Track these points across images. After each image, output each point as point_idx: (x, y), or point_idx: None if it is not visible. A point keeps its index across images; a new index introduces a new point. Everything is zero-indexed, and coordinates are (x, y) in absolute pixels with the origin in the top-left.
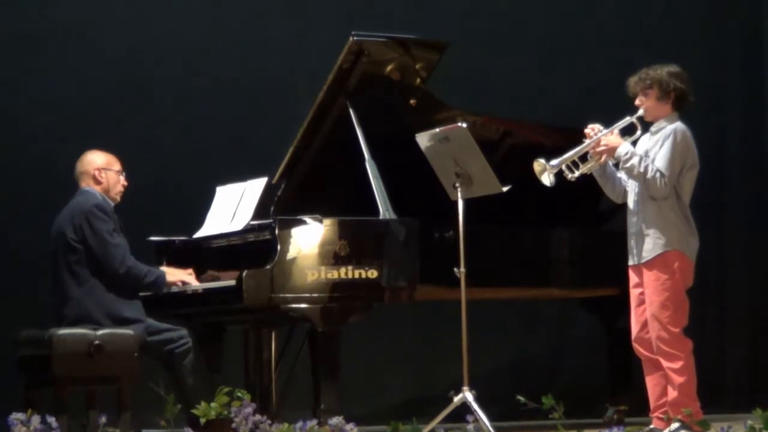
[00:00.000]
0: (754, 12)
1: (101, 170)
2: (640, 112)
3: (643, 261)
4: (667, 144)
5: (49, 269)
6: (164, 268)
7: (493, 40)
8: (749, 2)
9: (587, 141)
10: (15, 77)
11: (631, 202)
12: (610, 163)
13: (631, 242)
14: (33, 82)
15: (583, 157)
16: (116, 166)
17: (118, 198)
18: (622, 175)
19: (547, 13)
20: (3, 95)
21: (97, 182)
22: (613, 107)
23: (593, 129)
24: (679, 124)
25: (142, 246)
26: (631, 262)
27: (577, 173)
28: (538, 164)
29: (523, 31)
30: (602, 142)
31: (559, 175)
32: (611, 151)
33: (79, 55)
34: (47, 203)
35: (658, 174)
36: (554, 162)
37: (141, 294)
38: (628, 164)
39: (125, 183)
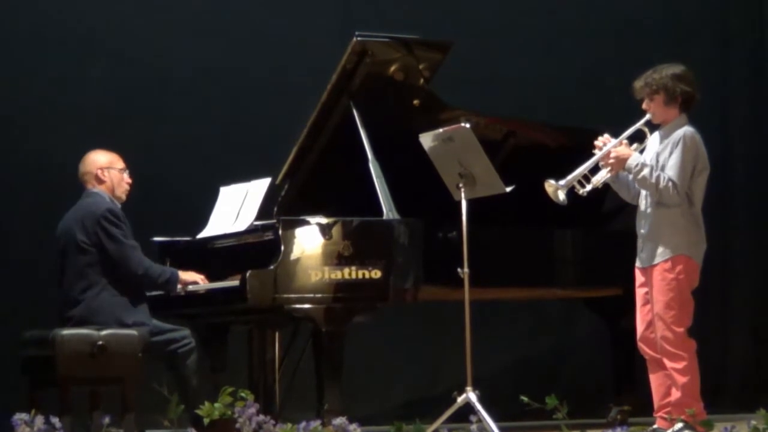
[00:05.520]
0: (757, 9)
1: (104, 169)
2: (648, 116)
3: (651, 264)
4: (677, 151)
5: (57, 270)
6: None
7: (496, 40)
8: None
9: (596, 153)
10: (16, 78)
11: (642, 206)
12: None
13: (641, 245)
14: (34, 82)
15: (593, 170)
16: (119, 164)
17: (124, 197)
18: None
19: (549, 12)
20: (4, 96)
21: (101, 182)
22: (617, 106)
23: (603, 142)
24: (687, 129)
25: (146, 247)
26: (638, 265)
27: (588, 187)
28: (549, 185)
29: (526, 31)
30: (612, 154)
31: (571, 189)
32: (621, 162)
33: (80, 56)
34: (51, 204)
35: (670, 183)
36: (563, 182)
37: (149, 294)
38: (640, 176)
39: (129, 181)
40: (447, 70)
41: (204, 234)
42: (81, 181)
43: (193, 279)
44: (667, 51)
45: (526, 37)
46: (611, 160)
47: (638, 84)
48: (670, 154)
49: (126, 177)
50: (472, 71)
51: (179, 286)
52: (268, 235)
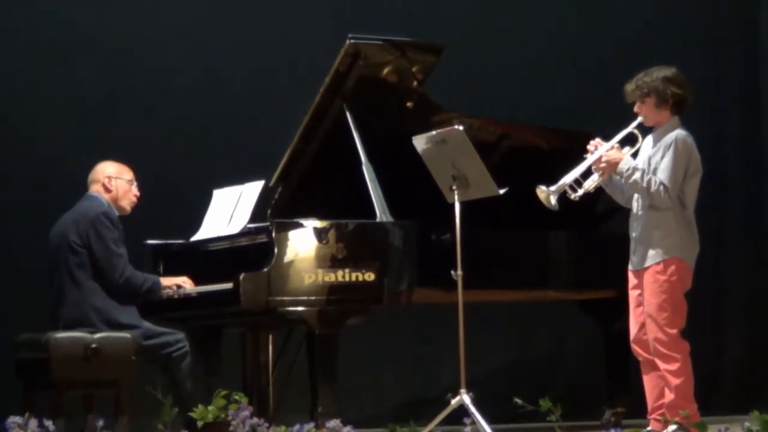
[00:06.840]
0: (751, 14)
1: (111, 178)
2: (640, 119)
3: (643, 267)
4: (669, 154)
5: (48, 270)
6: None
7: (490, 42)
8: (747, 3)
9: (588, 157)
10: (14, 80)
11: (634, 209)
12: None
13: (633, 248)
14: (31, 84)
15: (585, 174)
16: (127, 175)
17: (129, 208)
18: None
19: (544, 14)
20: (2, 99)
21: (107, 190)
22: (611, 108)
23: (595, 145)
24: (679, 132)
25: (139, 250)
26: (631, 267)
27: (580, 191)
28: (541, 191)
29: (520, 33)
30: (603, 158)
31: (563, 194)
32: (613, 166)
33: (76, 57)
34: (47, 206)
35: (661, 187)
36: (554, 187)
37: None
38: (631, 180)
39: (137, 193)
40: (440, 72)
41: (197, 237)
42: (88, 187)
43: (175, 282)
44: (661, 54)
45: (521, 40)
46: (602, 164)
47: (629, 87)
48: (662, 157)
49: (134, 189)
50: (465, 73)
51: (172, 289)
52: (262, 238)
